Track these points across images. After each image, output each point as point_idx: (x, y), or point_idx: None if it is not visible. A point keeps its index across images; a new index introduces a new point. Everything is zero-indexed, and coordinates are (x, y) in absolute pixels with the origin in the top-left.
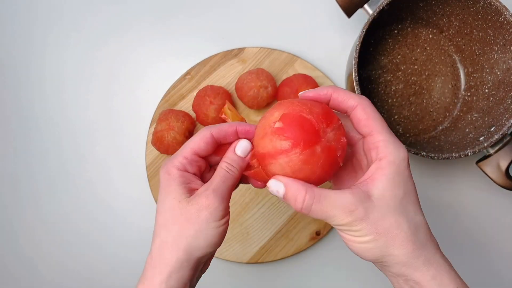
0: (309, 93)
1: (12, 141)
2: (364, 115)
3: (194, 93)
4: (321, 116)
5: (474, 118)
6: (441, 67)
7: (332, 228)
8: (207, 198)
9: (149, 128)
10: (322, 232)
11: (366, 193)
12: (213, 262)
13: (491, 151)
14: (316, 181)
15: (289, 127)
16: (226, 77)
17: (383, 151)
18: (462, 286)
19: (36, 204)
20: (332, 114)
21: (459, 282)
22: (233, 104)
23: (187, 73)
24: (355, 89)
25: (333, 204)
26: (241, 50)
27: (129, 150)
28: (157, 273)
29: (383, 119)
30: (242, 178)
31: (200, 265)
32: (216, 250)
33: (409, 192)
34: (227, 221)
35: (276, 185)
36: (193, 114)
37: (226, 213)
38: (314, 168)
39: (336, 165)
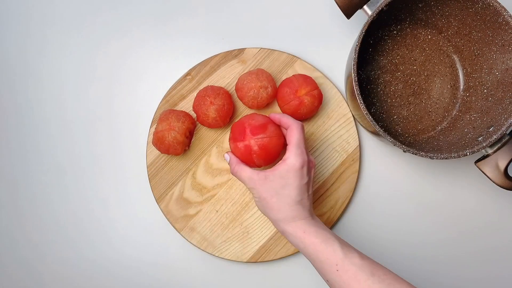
0: (272, 116)
1: (12, 142)
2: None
3: (195, 94)
4: (253, 127)
5: (473, 118)
6: (440, 67)
7: (332, 227)
8: None
9: (150, 128)
10: None
11: (264, 175)
12: (213, 261)
13: (490, 151)
14: (249, 164)
15: (232, 128)
16: (226, 77)
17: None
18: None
19: (35, 204)
20: (264, 127)
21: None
22: (234, 104)
23: (188, 73)
24: (355, 89)
25: (243, 174)
26: (241, 51)
27: (129, 150)
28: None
29: (299, 137)
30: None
31: None
32: None
33: (290, 185)
34: None
35: (226, 157)
36: (193, 115)
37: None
38: (239, 156)
39: (251, 159)
